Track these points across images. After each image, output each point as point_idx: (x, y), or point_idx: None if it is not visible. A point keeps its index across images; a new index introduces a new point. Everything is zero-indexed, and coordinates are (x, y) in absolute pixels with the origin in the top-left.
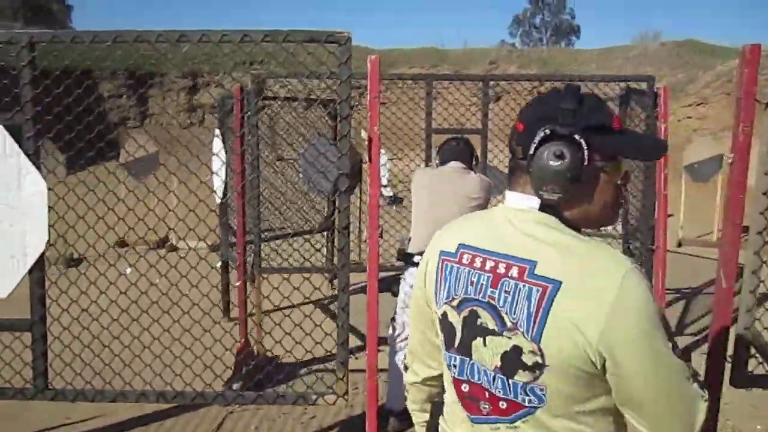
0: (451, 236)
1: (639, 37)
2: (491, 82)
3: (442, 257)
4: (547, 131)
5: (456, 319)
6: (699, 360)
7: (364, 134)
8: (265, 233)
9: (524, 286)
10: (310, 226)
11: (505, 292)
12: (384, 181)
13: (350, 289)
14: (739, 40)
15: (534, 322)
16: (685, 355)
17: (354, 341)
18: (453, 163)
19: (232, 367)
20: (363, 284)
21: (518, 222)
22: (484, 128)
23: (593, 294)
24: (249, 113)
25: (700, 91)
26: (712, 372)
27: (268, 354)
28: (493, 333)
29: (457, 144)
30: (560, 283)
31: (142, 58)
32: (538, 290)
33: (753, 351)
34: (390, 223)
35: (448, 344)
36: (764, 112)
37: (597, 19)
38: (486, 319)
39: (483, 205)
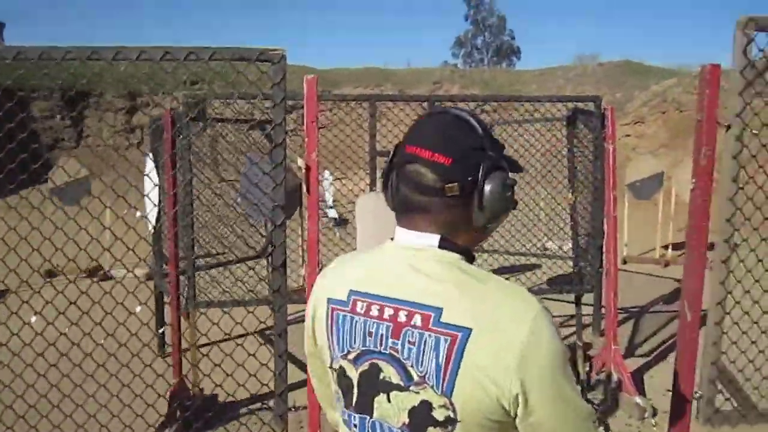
0: (339, 281)
1: (578, 57)
2: (436, 103)
3: (332, 306)
4: (488, 162)
5: (353, 374)
6: (649, 383)
7: (300, 162)
8: (207, 260)
9: (430, 336)
10: (254, 252)
11: (410, 342)
12: (329, 202)
13: (294, 318)
14: (672, 59)
15: (444, 375)
16: (636, 376)
17: (300, 375)
18: None
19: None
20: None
21: (418, 262)
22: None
23: (505, 339)
24: (180, 135)
25: (638, 110)
26: (677, 410)
27: (206, 395)
28: (398, 388)
29: None
30: (470, 330)
31: (73, 77)
32: (446, 340)
33: (720, 387)
34: (334, 249)
35: (347, 402)
36: (724, 134)
37: (537, 40)
38: (389, 374)
39: None
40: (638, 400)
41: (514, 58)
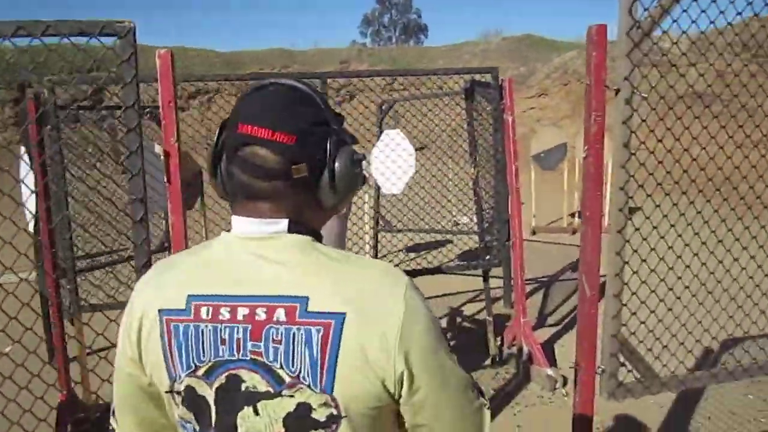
0: (169, 288)
1: (483, 34)
2: (328, 80)
3: (166, 318)
4: (334, 137)
5: (208, 392)
6: (560, 351)
7: (158, 149)
8: (91, 260)
9: (299, 329)
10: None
11: (275, 342)
12: None
13: None
14: (573, 32)
15: (322, 370)
16: (547, 347)
17: None
18: None
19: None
20: None
21: (268, 252)
22: None
23: (382, 317)
24: (48, 125)
25: (541, 83)
26: (581, 386)
27: (100, 402)
28: (267, 396)
29: None
30: (343, 315)
31: None
32: (319, 330)
33: (622, 359)
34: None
35: (202, 425)
36: (615, 99)
37: (444, 17)
38: (254, 382)
39: (346, 214)
40: (549, 371)
41: (422, 36)
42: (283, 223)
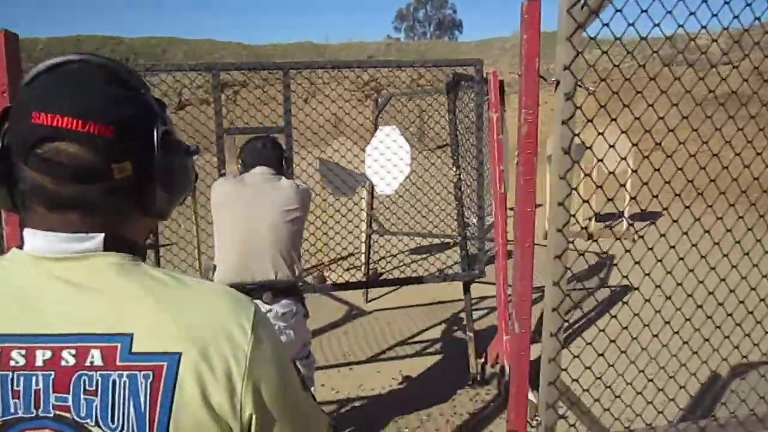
0: None
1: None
2: (290, 70)
3: None
4: (161, 127)
5: None
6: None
7: None
8: None
9: (121, 375)
10: None
11: (87, 393)
12: None
13: None
14: (605, 31)
15: (152, 426)
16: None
17: None
18: (260, 169)
19: None
20: None
21: (78, 276)
22: (287, 126)
23: (225, 354)
24: None
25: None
26: None
27: None
28: None
29: (263, 145)
30: (179, 354)
31: None
32: (147, 376)
33: (564, 409)
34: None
35: None
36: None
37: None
38: None
39: (302, 219)
40: (530, 396)
41: (456, 32)
42: (98, 238)
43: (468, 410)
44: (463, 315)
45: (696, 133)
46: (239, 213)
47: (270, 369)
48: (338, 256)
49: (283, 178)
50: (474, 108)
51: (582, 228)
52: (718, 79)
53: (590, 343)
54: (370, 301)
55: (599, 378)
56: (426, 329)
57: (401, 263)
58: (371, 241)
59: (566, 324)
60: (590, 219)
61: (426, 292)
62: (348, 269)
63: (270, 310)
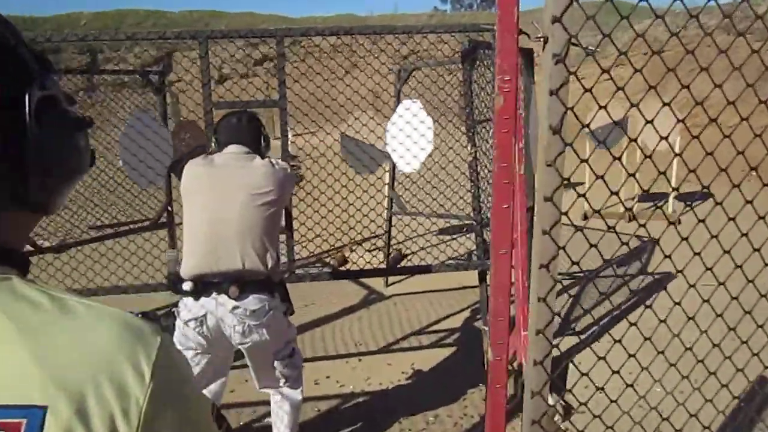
0: None
1: None
2: (285, 38)
3: None
4: (36, 90)
5: None
6: (577, 368)
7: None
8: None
9: None
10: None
11: None
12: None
13: None
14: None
15: None
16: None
17: None
18: (232, 147)
19: None
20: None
21: None
22: (282, 99)
23: (109, 407)
24: None
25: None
26: None
27: None
28: None
29: (237, 120)
30: (44, 410)
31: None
32: None
33: None
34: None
35: None
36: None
37: None
38: None
39: (277, 202)
40: (550, 399)
41: None
42: None
43: (479, 412)
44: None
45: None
46: (204, 197)
47: (174, 420)
48: (360, 238)
49: (257, 157)
50: (491, 79)
51: (626, 209)
52: None
53: (619, 341)
54: (390, 285)
55: (630, 386)
56: (445, 317)
57: (428, 244)
58: (391, 222)
59: (591, 318)
60: (633, 199)
61: (451, 276)
62: (371, 250)
63: (236, 307)
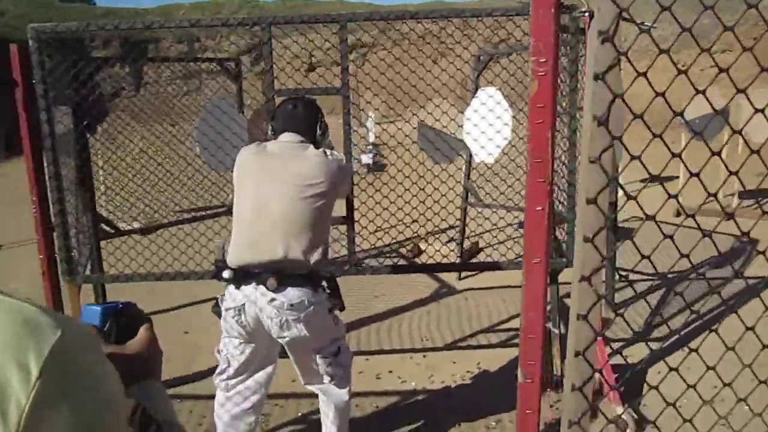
0: None
1: None
2: (349, 23)
3: None
4: None
5: None
6: (652, 380)
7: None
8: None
9: None
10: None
11: None
12: (369, 146)
13: None
14: None
15: None
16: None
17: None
18: (286, 135)
19: None
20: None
21: None
22: (344, 87)
23: None
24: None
25: (725, 36)
26: None
27: None
28: None
29: (293, 107)
30: None
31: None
32: None
33: None
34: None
35: None
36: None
37: None
38: None
39: (327, 195)
40: (619, 410)
41: None
42: None
43: (545, 419)
44: (567, 301)
45: None
46: (253, 185)
47: (63, 429)
48: (435, 229)
49: (311, 147)
50: (566, 64)
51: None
52: None
53: (695, 350)
54: (463, 279)
55: (707, 402)
56: (516, 315)
57: (507, 238)
58: (466, 214)
59: (672, 326)
60: (733, 196)
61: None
62: (446, 242)
63: (274, 299)
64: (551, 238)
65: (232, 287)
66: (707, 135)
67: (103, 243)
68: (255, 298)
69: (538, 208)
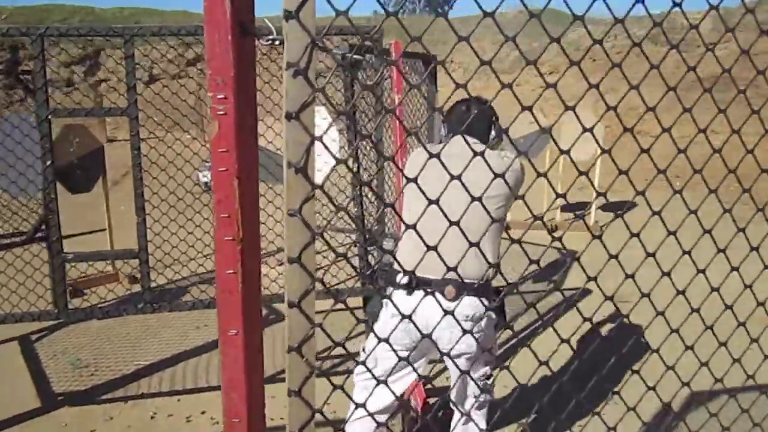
0: None
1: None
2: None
3: None
4: None
5: None
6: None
7: None
8: None
9: None
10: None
11: None
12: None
13: None
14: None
15: None
16: None
17: None
18: (459, 138)
19: None
20: None
21: None
22: (131, 107)
23: None
24: None
25: (552, 60)
26: None
27: None
28: None
29: (466, 108)
30: None
31: None
32: None
33: None
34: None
35: None
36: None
37: None
38: None
39: (506, 202)
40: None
41: (447, 7)
42: None
43: None
44: None
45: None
46: (428, 190)
47: None
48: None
49: (487, 150)
50: (370, 88)
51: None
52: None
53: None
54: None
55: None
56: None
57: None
58: None
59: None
60: (556, 208)
61: None
62: (279, 265)
63: (450, 309)
64: (258, 302)
65: (401, 293)
66: (532, 153)
67: None
68: (426, 306)
69: (229, 272)
